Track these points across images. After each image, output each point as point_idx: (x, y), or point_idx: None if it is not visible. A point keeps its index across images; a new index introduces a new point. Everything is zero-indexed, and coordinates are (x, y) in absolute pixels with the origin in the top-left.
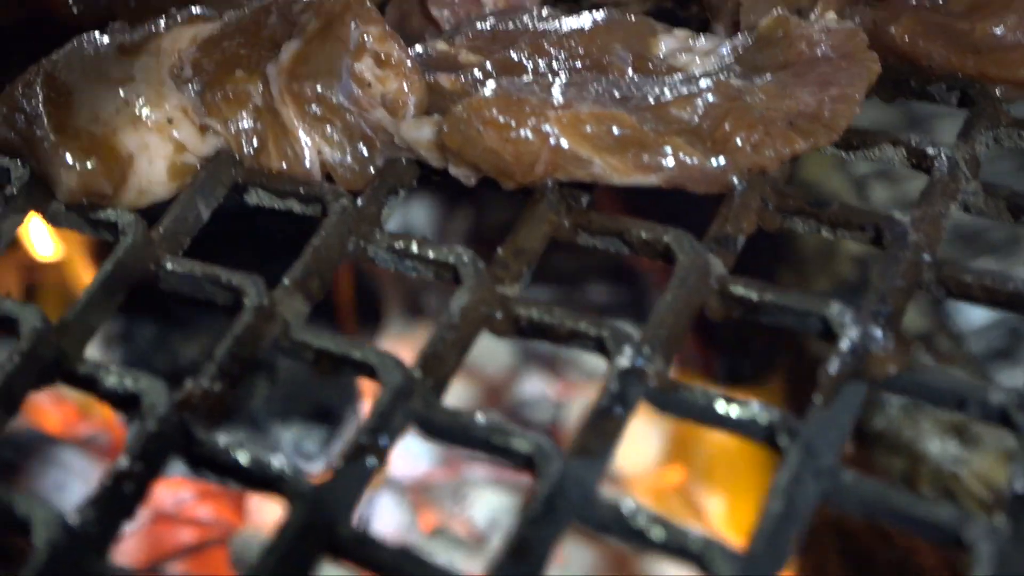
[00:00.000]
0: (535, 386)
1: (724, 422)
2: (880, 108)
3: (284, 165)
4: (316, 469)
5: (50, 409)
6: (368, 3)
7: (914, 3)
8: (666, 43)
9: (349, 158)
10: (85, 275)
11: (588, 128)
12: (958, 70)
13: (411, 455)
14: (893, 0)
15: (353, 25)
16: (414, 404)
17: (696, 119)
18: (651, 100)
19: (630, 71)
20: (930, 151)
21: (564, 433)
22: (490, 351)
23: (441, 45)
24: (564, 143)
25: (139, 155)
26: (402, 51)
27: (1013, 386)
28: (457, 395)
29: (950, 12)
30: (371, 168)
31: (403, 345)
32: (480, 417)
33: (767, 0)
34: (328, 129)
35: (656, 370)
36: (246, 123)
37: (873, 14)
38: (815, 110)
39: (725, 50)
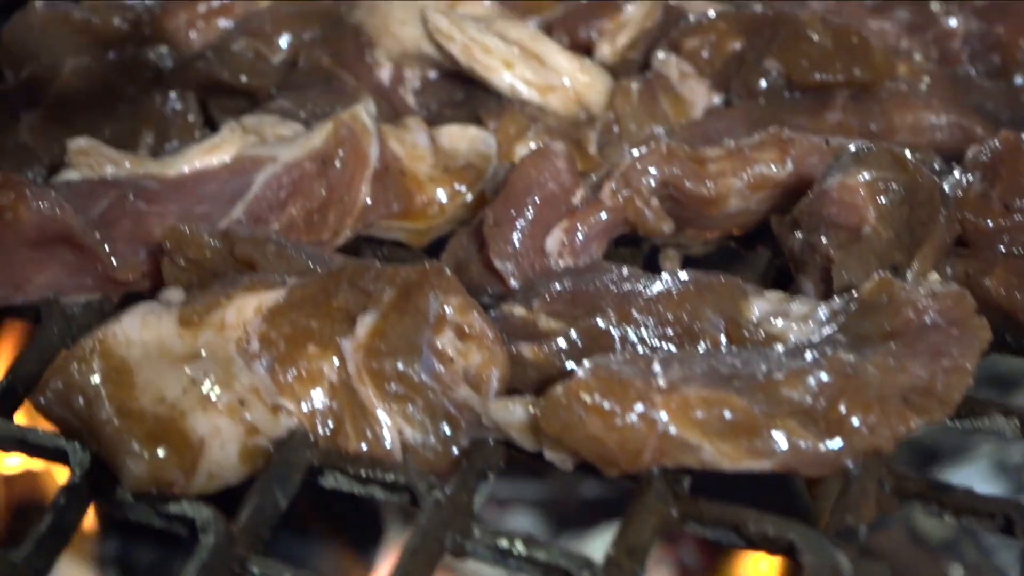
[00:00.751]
0: None
1: None
2: None
3: (363, 446)
4: None
5: None
6: (446, 270)
7: (1004, 252)
8: (759, 307)
9: (432, 439)
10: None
11: (698, 413)
12: None
13: None
14: (985, 249)
15: (432, 296)
16: None
17: (809, 399)
18: (759, 377)
19: (723, 338)
20: None
21: None
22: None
23: (519, 309)
24: (673, 430)
25: (210, 440)
26: (484, 321)
27: None
28: None
29: None
30: (455, 449)
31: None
32: None
33: (860, 257)
34: (409, 408)
35: None
36: (321, 402)
37: (965, 264)
38: (928, 383)
39: (823, 314)
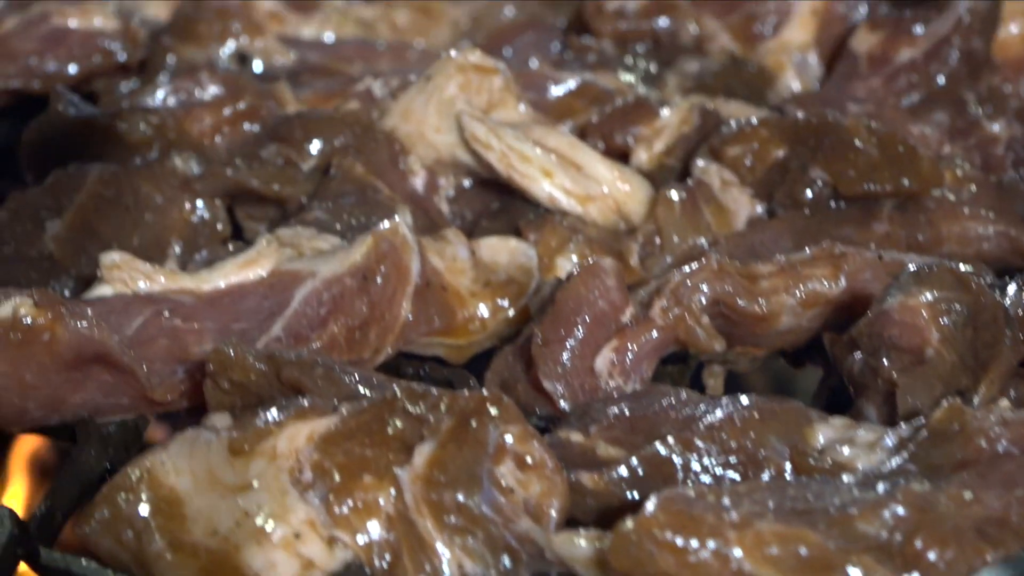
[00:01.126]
0: None
1: None
2: None
3: None
4: None
5: None
6: (505, 398)
7: None
8: (824, 434)
9: (493, 572)
10: None
11: (772, 549)
12: None
13: None
14: None
15: (492, 425)
16: None
17: (884, 534)
18: (832, 511)
19: (788, 466)
20: None
21: None
22: None
23: (576, 436)
24: (747, 566)
25: (265, 574)
26: (544, 451)
27: None
28: None
29: None
30: None
31: None
32: None
33: (924, 381)
34: (469, 541)
35: None
36: (378, 534)
37: None
38: (1002, 514)
39: (890, 442)
